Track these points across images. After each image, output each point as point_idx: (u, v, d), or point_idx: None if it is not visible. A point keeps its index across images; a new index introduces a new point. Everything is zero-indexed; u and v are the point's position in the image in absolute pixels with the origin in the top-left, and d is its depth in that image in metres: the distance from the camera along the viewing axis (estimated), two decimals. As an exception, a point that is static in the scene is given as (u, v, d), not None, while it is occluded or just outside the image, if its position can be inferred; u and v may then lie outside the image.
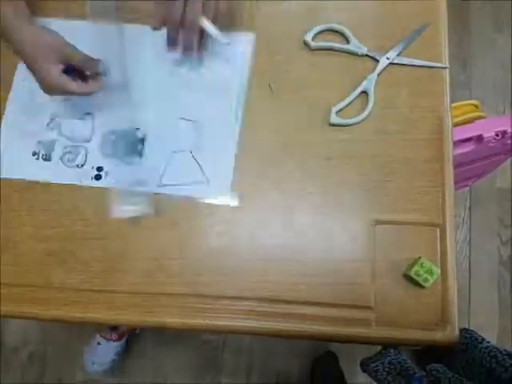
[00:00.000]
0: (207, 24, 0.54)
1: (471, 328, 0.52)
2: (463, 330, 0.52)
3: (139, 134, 0.61)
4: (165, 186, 0.59)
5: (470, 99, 0.87)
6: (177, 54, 0.60)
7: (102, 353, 1.16)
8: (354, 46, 0.60)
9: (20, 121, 0.63)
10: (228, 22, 0.57)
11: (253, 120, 0.59)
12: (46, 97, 0.60)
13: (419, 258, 0.53)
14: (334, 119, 0.57)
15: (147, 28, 0.57)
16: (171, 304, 0.55)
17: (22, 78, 0.64)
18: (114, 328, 1.16)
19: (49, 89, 0.56)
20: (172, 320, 0.54)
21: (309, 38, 0.60)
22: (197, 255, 0.56)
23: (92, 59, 0.57)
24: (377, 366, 0.54)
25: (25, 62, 0.56)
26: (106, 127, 0.62)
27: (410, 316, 0.53)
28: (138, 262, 0.56)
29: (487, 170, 0.98)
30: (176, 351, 1.27)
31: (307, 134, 0.59)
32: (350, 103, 0.58)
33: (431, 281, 0.51)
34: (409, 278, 0.53)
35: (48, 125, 0.63)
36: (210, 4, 0.54)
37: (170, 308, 0.55)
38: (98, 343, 1.16)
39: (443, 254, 0.54)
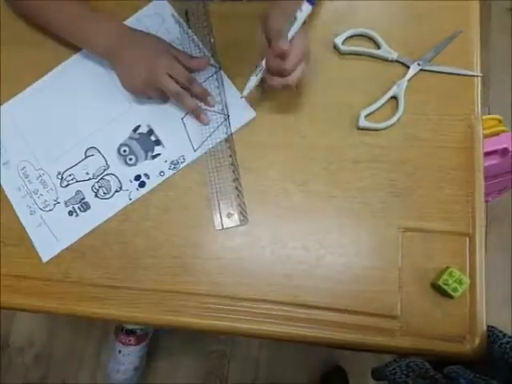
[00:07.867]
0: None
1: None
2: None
3: (146, 129, 0.60)
4: (199, 148, 0.59)
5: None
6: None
7: (125, 360, 1.14)
8: (385, 51, 0.59)
9: (35, 193, 0.60)
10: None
11: (278, 120, 0.59)
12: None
13: (448, 267, 0.51)
14: (363, 123, 0.57)
15: None
16: (191, 303, 0.54)
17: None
18: (129, 332, 1.14)
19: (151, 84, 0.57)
20: (191, 320, 0.53)
21: (339, 41, 0.60)
22: (219, 255, 0.55)
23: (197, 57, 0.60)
24: (394, 369, 0.52)
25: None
26: (114, 145, 0.60)
27: (437, 327, 0.51)
28: (159, 260, 0.55)
29: (508, 186, 0.97)
30: (181, 360, 1.24)
31: (334, 136, 0.58)
32: (379, 108, 0.58)
33: (460, 291, 0.50)
34: (436, 288, 0.52)
35: (61, 184, 0.59)
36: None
37: (189, 308, 0.54)
38: (119, 351, 1.15)
39: (472, 264, 0.52)
